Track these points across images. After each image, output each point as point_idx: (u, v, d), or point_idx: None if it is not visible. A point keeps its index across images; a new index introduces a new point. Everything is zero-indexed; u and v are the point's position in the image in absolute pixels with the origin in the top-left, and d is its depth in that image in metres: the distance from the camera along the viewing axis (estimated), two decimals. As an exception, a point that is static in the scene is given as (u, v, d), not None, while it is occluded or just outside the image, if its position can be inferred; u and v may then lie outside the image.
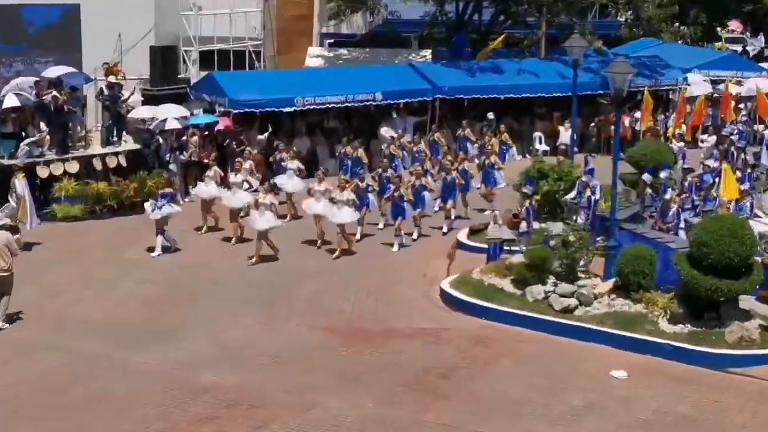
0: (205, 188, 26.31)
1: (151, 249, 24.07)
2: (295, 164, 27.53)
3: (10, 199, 25.00)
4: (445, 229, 25.70)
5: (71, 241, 25.41)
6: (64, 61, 31.18)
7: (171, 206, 24.36)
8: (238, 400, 16.21)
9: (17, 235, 20.51)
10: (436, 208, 26.55)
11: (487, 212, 26.31)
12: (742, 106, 38.04)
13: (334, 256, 23.78)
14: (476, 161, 29.36)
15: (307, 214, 25.18)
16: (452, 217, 25.93)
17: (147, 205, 24.40)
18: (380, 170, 26.45)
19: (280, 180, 27.06)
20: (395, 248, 24.31)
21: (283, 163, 28.13)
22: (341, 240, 23.90)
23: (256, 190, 25.88)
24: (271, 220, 23.50)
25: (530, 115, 38.13)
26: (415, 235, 25.13)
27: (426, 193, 25.28)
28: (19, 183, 24.59)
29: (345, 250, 23.95)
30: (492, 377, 17.28)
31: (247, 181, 26.17)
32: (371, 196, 25.48)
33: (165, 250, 24.09)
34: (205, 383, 16.81)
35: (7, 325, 19.12)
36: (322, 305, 20.85)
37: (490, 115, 34.98)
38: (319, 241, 24.57)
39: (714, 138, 33.11)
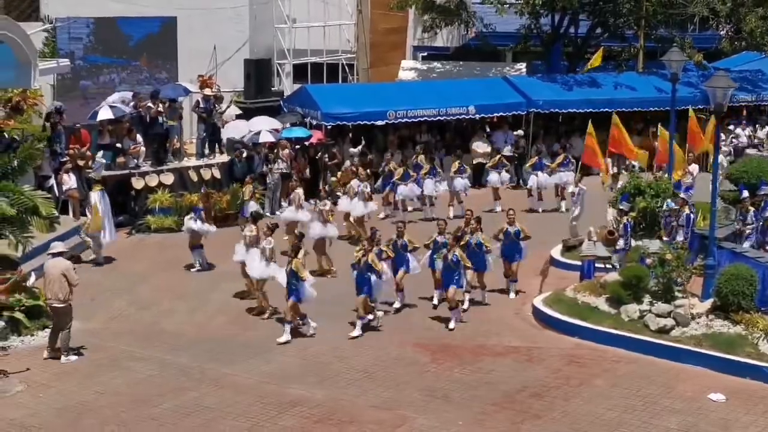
0: (289, 212, 25.71)
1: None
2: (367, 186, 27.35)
3: (87, 212, 25.12)
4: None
5: (164, 252, 25.64)
6: (160, 74, 31.74)
7: (199, 223, 24.05)
8: (327, 414, 16.14)
9: (74, 267, 19.73)
10: None
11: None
12: None
13: None
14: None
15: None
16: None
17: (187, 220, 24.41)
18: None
19: (342, 204, 26.66)
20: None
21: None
22: None
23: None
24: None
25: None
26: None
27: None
28: (93, 194, 24.42)
29: None
30: (586, 398, 16.94)
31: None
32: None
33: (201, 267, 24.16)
34: (294, 397, 16.77)
35: (74, 357, 18.58)
36: (411, 321, 20.68)
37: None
38: None
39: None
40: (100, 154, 27.42)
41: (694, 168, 28.22)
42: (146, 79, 32.82)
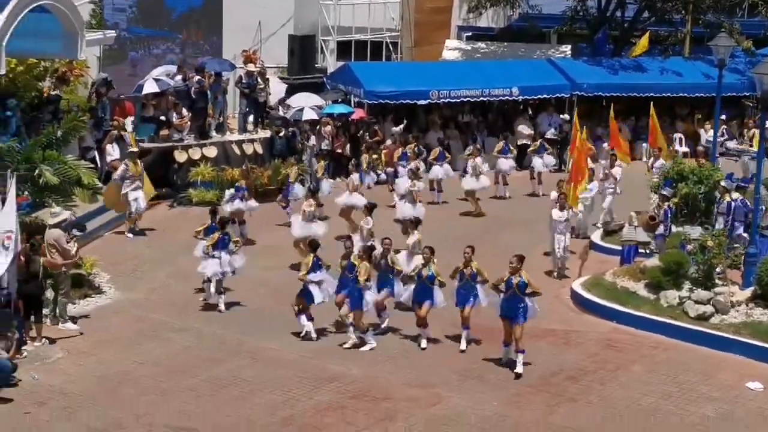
0: (344, 196, 25.20)
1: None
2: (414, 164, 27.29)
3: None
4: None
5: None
6: (206, 46, 31.82)
7: (243, 202, 24.15)
8: (363, 390, 16.22)
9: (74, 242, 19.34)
10: None
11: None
12: None
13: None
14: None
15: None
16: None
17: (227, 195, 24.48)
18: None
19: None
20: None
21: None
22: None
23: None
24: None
25: (671, 116, 37.22)
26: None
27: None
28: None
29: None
30: (622, 383, 16.89)
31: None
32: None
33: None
34: (331, 372, 16.87)
35: (72, 325, 18.52)
36: (449, 301, 20.66)
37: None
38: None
39: None
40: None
41: (616, 171, 26.42)
42: (190, 53, 32.88)
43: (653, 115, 28.98)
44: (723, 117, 32.41)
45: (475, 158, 28.22)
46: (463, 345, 18.11)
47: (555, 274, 22.51)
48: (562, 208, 22.42)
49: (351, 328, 18.16)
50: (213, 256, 19.97)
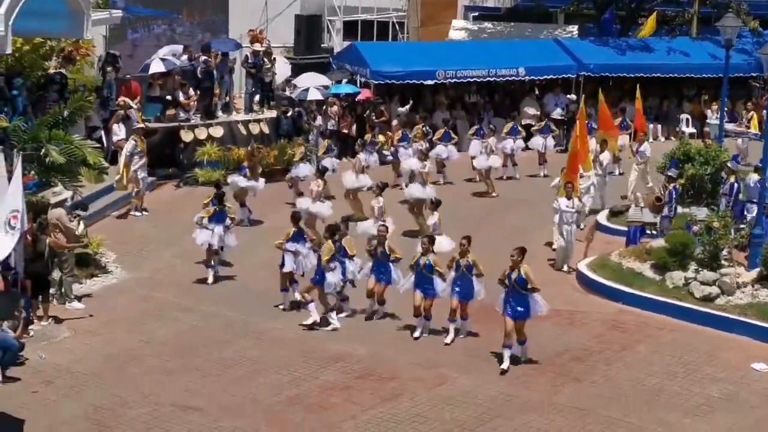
0: (349, 178, 25.12)
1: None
2: (419, 145, 27.23)
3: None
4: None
5: (211, 205, 25.77)
6: (211, 26, 31.64)
7: (246, 180, 24.34)
8: (369, 370, 16.26)
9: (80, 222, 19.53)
10: None
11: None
12: None
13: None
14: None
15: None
16: None
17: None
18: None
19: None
20: None
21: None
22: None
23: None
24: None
25: (678, 96, 37.16)
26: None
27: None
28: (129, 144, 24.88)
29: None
30: (627, 363, 16.92)
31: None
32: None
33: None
34: (337, 352, 16.91)
35: (78, 304, 18.64)
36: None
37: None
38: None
39: None
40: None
41: (605, 156, 26.36)
42: (189, 32, 32.60)
43: (639, 98, 28.89)
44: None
45: (488, 138, 28.28)
46: (449, 338, 17.48)
47: (564, 268, 21.53)
48: (569, 197, 21.63)
49: (311, 306, 18.08)
50: (206, 228, 20.28)
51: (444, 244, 19.93)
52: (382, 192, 21.81)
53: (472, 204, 26.91)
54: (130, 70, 29.28)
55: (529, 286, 16.40)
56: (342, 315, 18.52)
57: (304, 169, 25.97)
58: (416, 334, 17.82)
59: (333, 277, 17.96)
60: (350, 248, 18.49)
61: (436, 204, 21.30)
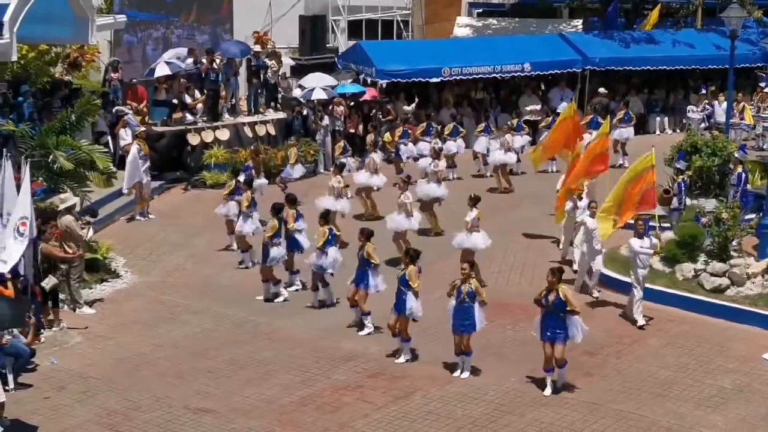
0: (362, 176, 25.10)
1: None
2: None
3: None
4: None
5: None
6: (216, 29, 31.62)
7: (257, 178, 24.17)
8: (380, 369, 16.29)
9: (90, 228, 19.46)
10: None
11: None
12: None
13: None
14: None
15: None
16: None
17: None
18: None
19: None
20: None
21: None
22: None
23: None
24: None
25: (684, 88, 37.12)
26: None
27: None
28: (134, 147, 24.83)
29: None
30: (639, 356, 16.94)
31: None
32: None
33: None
34: (348, 352, 16.95)
35: (88, 309, 18.68)
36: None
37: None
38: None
39: None
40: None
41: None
42: (184, 34, 32.41)
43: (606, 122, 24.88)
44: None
45: (505, 134, 28.49)
46: (465, 374, 16.12)
47: (593, 293, 19.89)
48: (641, 236, 18.59)
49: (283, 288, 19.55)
50: (250, 216, 21.26)
51: (479, 242, 19.82)
52: (407, 186, 21.78)
53: (486, 200, 26.76)
54: (128, 74, 29.20)
55: (568, 309, 15.44)
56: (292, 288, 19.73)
57: (298, 171, 26.05)
58: (457, 373, 16.17)
59: (277, 252, 19.24)
60: (373, 256, 17.69)
61: (475, 200, 20.36)
